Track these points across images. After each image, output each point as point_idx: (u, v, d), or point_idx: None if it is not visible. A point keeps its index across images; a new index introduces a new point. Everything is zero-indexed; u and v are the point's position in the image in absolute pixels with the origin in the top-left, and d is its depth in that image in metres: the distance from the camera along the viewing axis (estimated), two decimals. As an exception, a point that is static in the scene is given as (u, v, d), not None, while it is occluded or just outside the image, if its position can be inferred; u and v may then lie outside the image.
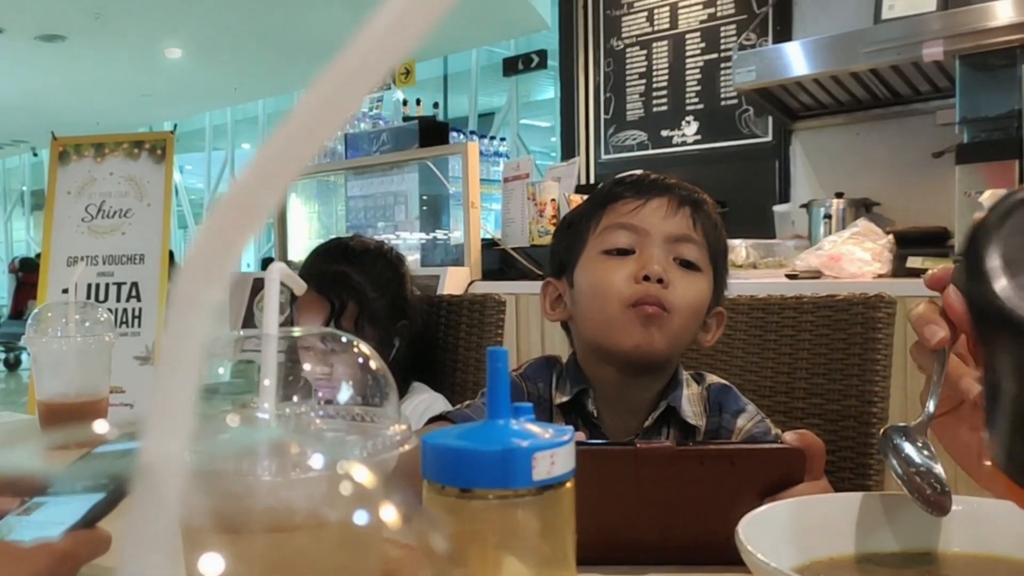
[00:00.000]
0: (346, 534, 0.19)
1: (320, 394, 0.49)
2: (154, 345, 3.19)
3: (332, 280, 1.32)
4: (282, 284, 0.47)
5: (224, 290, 0.14)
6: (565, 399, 0.91)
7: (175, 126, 3.27)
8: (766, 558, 0.45)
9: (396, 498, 0.18)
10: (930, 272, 0.52)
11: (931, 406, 0.51)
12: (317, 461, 0.18)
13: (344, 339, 0.52)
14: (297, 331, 0.50)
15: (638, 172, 0.99)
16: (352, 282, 1.32)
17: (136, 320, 3.21)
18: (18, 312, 9.66)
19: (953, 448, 0.53)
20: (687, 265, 0.89)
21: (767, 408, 0.96)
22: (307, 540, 0.20)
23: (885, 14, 2.85)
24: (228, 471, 0.17)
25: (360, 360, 0.51)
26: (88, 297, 3.19)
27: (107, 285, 3.20)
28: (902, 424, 0.52)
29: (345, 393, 0.50)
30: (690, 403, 0.90)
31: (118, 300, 3.19)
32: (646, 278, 0.85)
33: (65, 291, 3.21)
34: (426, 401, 1.32)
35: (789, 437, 0.65)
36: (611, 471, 0.58)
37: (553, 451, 0.43)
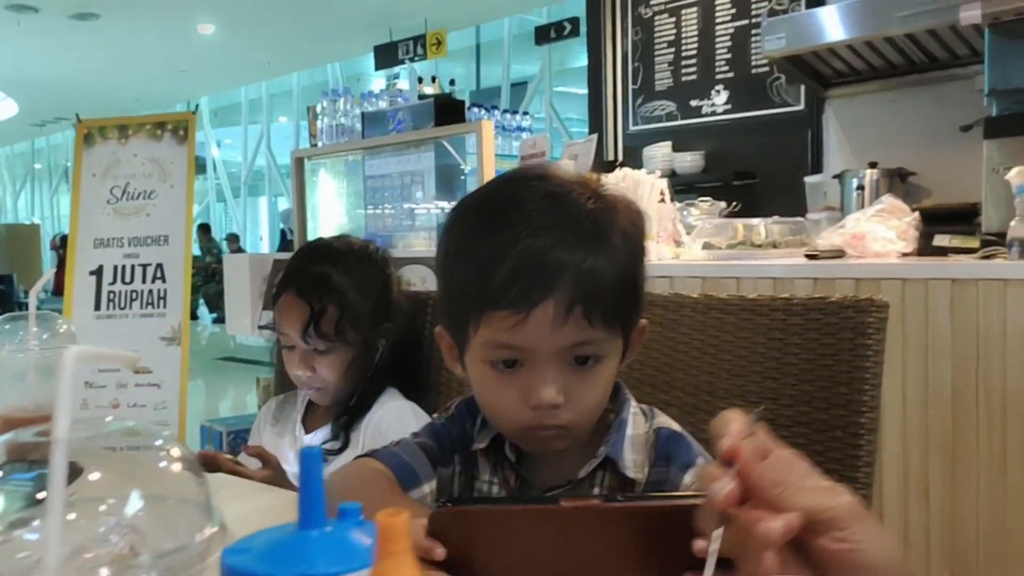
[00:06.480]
0: None
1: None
2: (180, 326, 3.22)
3: (313, 282, 1.28)
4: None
5: None
6: (482, 445, 0.84)
7: (196, 106, 3.27)
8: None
9: None
10: (726, 446, 0.48)
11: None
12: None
13: (159, 441, 0.45)
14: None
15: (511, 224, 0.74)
16: (333, 284, 1.27)
17: (161, 301, 3.24)
18: (59, 288, 9.92)
19: None
20: (587, 360, 0.77)
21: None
22: None
23: (921, -25, 2.72)
24: None
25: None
26: (114, 279, 3.23)
27: (133, 267, 3.23)
28: None
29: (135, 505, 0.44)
30: (633, 448, 0.81)
31: (144, 281, 3.22)
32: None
33: (92, 273, 3.22)
34: (394, 410, 1.28)
35: None
36: (534, 530, 0.54)
37: None
